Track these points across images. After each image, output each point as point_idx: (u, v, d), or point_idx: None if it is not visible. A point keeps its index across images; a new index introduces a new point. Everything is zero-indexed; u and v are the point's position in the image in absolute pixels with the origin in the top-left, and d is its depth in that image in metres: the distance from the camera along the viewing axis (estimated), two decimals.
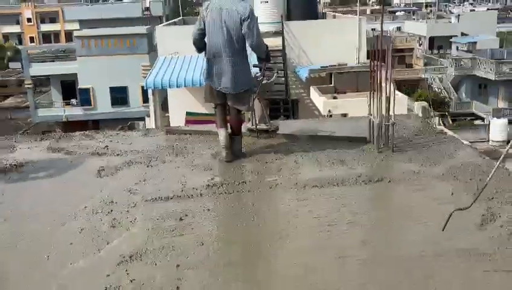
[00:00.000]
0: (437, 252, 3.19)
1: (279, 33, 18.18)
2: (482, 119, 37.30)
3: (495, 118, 29.44)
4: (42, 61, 35.85)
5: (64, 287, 3.02)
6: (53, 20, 64.48)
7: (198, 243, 3.42)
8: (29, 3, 64.59)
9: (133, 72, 27.68)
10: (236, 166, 4.89)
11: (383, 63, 5.11)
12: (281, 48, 17.68)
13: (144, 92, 25.25)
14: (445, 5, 78.61)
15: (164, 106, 19.86)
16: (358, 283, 2.99)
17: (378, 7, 71.52)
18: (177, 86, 16.41)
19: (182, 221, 3.74)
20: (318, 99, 17.67)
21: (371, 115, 5.31)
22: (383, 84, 5.09)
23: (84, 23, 45.05)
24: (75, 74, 33.00)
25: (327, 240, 3.45)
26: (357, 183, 4.35)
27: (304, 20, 19.37)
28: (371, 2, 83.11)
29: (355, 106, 13.47)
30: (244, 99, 5.04)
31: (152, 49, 28.73)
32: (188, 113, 14.76)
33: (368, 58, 16.89)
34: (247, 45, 4.92)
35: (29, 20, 64.57)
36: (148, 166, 4.96)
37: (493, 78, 39.38)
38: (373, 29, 38.92)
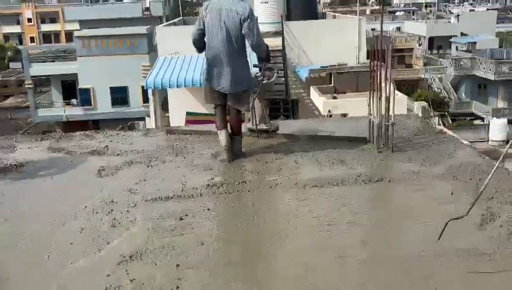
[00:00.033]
0: (437, 252, 3.19)
1: (279, 33, 18.19)
2: (482, 119, 37.32)
3: (494, 118, 29.43)
4: (42, 62, 35.83)
5: (65, 287, 3.03)
6: (53, 21, 64.50)
7: (199, 243, 3.42)
8: (30, 3, 64.58)
9: (133, 72, 27.69)
10: (236, 166, 4.90)
11: (382, 63, 5.11)
12: (281, 48, 17.69)
13: (144, 92, 25.28)
14: (445, 5, 78.58)
15: (164, 106, 19.86)
16: (358, 283, 2.99)
17: (378, 7, 71.53)
18: (177, 86, 16.41)
19: (182, 221, 3.75)
20: (318, 99, 17.68)
21: (371, 115, 5.32)
22: (383, 84, 5.09)
23: (84, 24, 45.07)
24: (76, 74, 33.03)
25: (327, 239, 3.46)
26: (357, 183, 4.35)
27: (304, 20, 19.38)
28: (370, 2, 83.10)
29: (355, 106, 13.48)
30: (243, 99, 5.04)
31: (152, 49, 28.73)
32: (188, 113, 14.78)
33: (367, 58, 16.90)
34: (247, 45, 4.92)
35: (29, 20, 64.59)
36: (148, 166, 4.96)
37: (493, 78, 39.40)
38: (373, 29, 38.99)
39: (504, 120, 28.00)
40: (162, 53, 18.67)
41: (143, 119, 26.66)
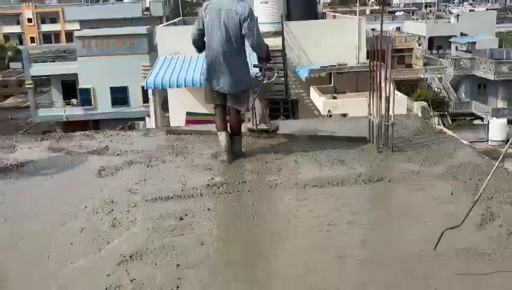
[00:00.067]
0: (437, 252, 3.19)
1: (279, 33, 18.19)
2: (482, 119, 37.33)
3: (494, 118, 29.44)
4: (43, 62, 35.85)
5: (65, 287, 3.03)
6: (53, 21, 64.50)
7: (199, 243, 3.42)
8: (30, 3, 64.59)
9: (133, 72, 27.70)
10: (236, 166, 4.90)
11: (382, 63, 5.12)
12: (281, 48, 17.69)
13: (144, 92, 25.28)
14: (445, 5, 78.59)
15: (164, 106, 19.87)
16: (358, 283, 2.99)
17: (377, 7, 71.52)
18: (177, 86, 16.41)
19: (182, 221, 3.75)
20: (318, 99, 17.69)
21: (371, 115, 5.32)
22: (383, 84, 5.10)
23: (84, 24, 45.07)
24: (76, 74, 33.04)
25: (327, 239, 3.46)
26: (356, 183, 4.36)
27: (304, 20, 19.39)
28: (370, 2, 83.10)
29: (355, 106, 13.50)
30: (243, 99, 5.04)
31: (152, 49, 28.75)
32: (188, 113, 14.78)
33: (367, 58, 16.89)
34: (246, 45, 4.92)
35: (29, 20, 64.58)
36: (148, 166, 4.96)
37: (492, 78, 39.39)
38: (373, 29, 39.00)
39: (504, 120, 28.01)
40: (162, 53, 18.68)
41: (143, 119, 26.67)
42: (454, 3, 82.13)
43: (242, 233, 3.63)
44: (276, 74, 5.88)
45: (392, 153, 5.06)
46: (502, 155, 3.64)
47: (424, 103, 23.01)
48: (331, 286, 2.96)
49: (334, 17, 26.16)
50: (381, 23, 5.62)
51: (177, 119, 16.38)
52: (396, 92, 7.23)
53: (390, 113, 5.10)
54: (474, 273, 3.00)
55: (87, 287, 3.04)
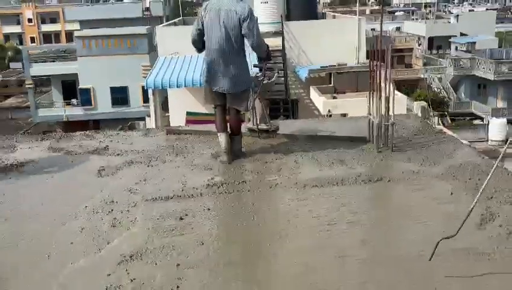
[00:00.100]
0: (436, 252, 3.19)
1: (279, 33, 18.19)
2: (481, 119, 37.32)
3: (494, 118, 29.42)
4: (43, 62, 35.79)
5: (65, 286, 3.03)
6: (54, 21, 64.47)
7: (199, 243, 3.43)
8: (30, 3, 64.58)
9: (134, 72, 27.69)
10: (236, 166, 4.90)
11: (382, 63, 5.12)
12: (280, 48, 17.69)
13: (144, 92, 25.29)
14: (445, 5, 78.64)
15: (164, 106, 19.87)
16: (358, 282, 3.00)
17: (377, 7, 71.52)
18: (177, 86, 16.42)
19: (182, 220, 3.75)
20: (318, 99, 17.69)
21: (371, 115, 5.32)
22: (383, 84, 5.10)
23: (84, 24, 45.07)
24: (76, 74, 33.01)
25: (327, 239, 3.46)
26: (356, 182, 4.36)
27: (304, 20, 19.38)
28: (370, 2, 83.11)
29: (355, 105, 13.50)
30: (242, 99, 5.04)
31: (152, 49, 28.72)
32: (188, 113, 14.77)
33: (367, 58, 16.91)
34: (246, 45, 4.92)
35: (30, 20, 64.57)
36: (148, 166, 4.97)
37: (492, 78, 39.39)
38: (372, 30, 39.00)
39: (503, 120, 27.98)
40: (162, 53, 18.68)
41: (143, 119, 26.66)
42: (454, 3, 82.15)
43: (242, 233, 3.63)
44: (276, 74, 5.88)
45: (392, 153, 5.07)
46: (501, 155, 3.64)
47: (424, 103, 22.99)
48: (331, 286, 2.97)
49: (334, 17, 26.15)
50: (381, 23, 5.63)
51: (177, 119, 16.37)
52: (396, 92, 7.24)
53: (390, 113, 5.11)
54: (474, 273, 3.00)
55: (87, 287, 3.05)
